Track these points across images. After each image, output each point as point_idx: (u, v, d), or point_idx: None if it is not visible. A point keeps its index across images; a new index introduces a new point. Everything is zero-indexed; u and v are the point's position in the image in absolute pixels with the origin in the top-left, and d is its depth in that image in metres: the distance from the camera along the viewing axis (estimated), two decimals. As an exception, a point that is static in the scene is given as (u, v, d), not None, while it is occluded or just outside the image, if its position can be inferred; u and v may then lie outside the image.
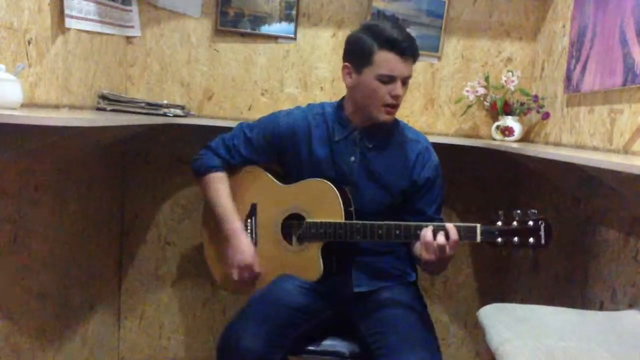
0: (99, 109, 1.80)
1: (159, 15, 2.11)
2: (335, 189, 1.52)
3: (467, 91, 2.07)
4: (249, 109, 2.17)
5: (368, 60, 1.45)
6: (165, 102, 1.95)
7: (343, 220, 1.51)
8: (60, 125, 1.16)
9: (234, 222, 1.61)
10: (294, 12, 2.11)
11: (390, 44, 1.42)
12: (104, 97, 1.80)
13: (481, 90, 2.07)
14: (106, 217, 2.08)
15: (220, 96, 2.17)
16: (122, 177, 2.21)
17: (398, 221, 1.49)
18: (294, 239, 1.60)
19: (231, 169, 1.67)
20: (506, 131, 2.02)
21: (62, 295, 1.74)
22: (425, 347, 1.36)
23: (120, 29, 1.99)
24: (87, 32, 1.72)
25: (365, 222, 1.48)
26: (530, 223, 1.31)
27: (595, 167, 1.23)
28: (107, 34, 1.89)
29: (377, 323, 1.46)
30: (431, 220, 1.55)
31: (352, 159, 1.56)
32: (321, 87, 2.17)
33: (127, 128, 1.85)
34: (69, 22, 1.58)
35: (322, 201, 1.54)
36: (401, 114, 2.14)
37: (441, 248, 1.35)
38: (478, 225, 1.36)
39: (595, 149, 1.62)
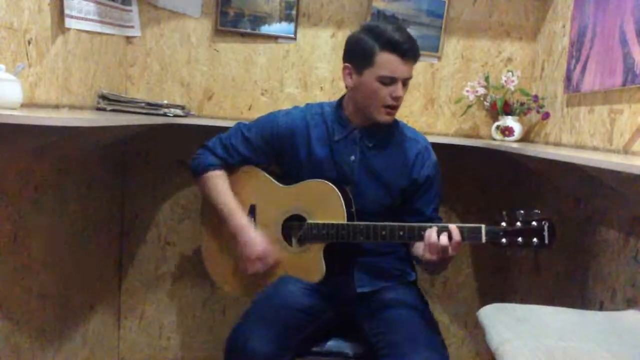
0: (99, 109, 1.80)
1: (159, 15, 2.11)
2: (337, 189, 1.52)
3: (467, 91, 2.07)
4: (249, 109, 2.17)
5: (369, 62, 1.45)
6: (165, 102, 1.94)
7: (345, 222, 1.50)
8: (60, 125, 1.16)
9: (240, 218, 1.59)
10: (294, 12, 2.11)
11: (392, 46, 1.42)
12: (104, 97, 1.80)
13: (481, 90, 2.07)
14: (106, 217, 2.08)
15: (220, 96, 2.17)
16: (122, 177, 2.21)
17: (397, 221, 1.49)
18: (295, 240, 1.60)
19: (229, 169, 1.66)
20: (506, 131, 2.02)
21: (62, 295, 1.74)
22: (432, 347, 1.37)
23: (120, 29, 1.99)
24: (87, 32, 1.72)
25: (368, 223, 1.48)
26: (534, 223, 1.32)
27: (595, 167, 1.23)
28: (107, 34, 1.89)
29: (381, 323, 1.46)
30: (430, 219, 1.57)
31: (352, 158, 1.56)
32: (321, 87, 2.17)
33: (127, 128, 1.85)
34: (69, 22, 1.58)
35: (324, 202, 1.53)
36: (401, 114, 2.14)
37: (444, 249, 1.35)
38: (483, 226, 1.37)
39: (595, 149, 1.62)
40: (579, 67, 1.74)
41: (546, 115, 1.96)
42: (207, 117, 2.12)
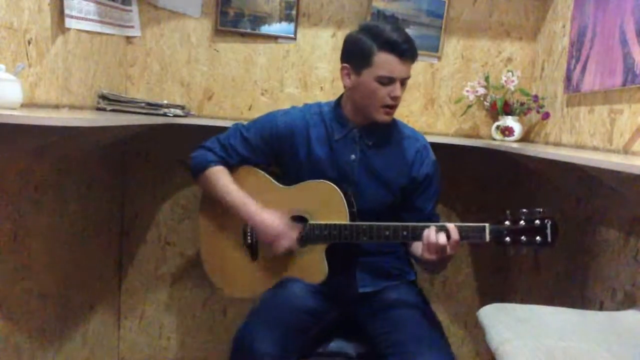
0: (99, 109, 1.80)
1: (159, 15, 2.11)
2: (339, 190, 1.51)
3: (467, 91, 2.07)
4: (249, 109, 2.17)
5: (367, 62, 1.45)
6: (165, 102, 1.94)
7: (348, 222, 1.50)
8: (60, 125, 1.16)
9: (250, 205, 1.56)
10: (294, 12, 2.11)
11: (390, 46, 1.42)
12: (104, 97, 1.80)
13: (481, 90, 2.07)
14: (106, 217, 2.08)
15: (220, 96, 2.17)
16: (122, 177, 2.21)
17: (396, 219, 1.49)
18: (297, 241, 1.58)
19: (228, 169, 1.64)
20: (506, 131, 2.02)
21: (62, 295, 1.74)
22: (439, 347, 1.37)
23: (120, 29, 1.99)
24: (87, 32, 1.72)
25: (371, 223, 1.48)
26: (537, 222, 1.33)
27: (595, 167, 1.23)
28: (107, 34, 1.89)
29: (385, 322, 1.47)
30: (429, 217, 1.59)
31: (353, 157, 1.56)
32: (321, 87, 2.17)
33: (127, 128, 1.85)
34: (69, 22, 1.58)
35: (326, 202, 1.52)
36: (401, 114, 2.14)
37: (442, 248, 1.36)
38: (486, 225, 1.37)
39: (595, 149, 1.62)
40: (579, 67, 1.74)
41: (546, 115, 1.96)
42: (207, 117, 2.12)
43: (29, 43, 1.39)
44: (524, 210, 1.35)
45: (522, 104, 2.02)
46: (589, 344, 1.08)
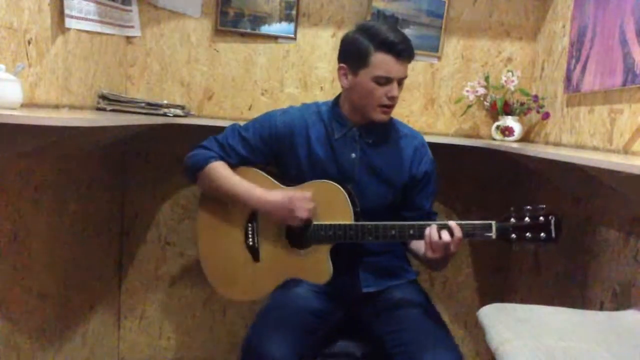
0: (99, 109, 1.80)
1: (159, 15, 2.11)
2: (343, 190, 1.51)
3: (467, 91, 2.07)
4: (249, 109, 2.17)
5: (364, 62, 1.45)
6: (165, 102, 1.94)
7: (353, 222, 1.50)
8: (60, 125, 1.16)
9: (255, 190, 1.55)
10: (294, 12, 2.11)
11: (387, 46, 1.43)
12: (104, 97, 1.80)
13: (481, 90, 2.07)
14: (106, 217, 2.08)
15: (220, 96, 2.17)
16: (122, 177, 2.21)
17: (395, 218, 1.50)
18: (300, 242, 1.57)
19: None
20: (506, 131, 2.02)
21: (62, 295, 1.74)
22: (448, 345, 1.38)
23: (120, 29, 1.99)
24: (87, 32, 1.72)
25: (377, 222, 1.47)
26: (541, 218, 1.35)
27: (595, 167, 1.23)
28: (107, 34, 1.89)
29: (391, 322, 1.47)
30: (428, 214, 1.61)
31: (353, 155, 1.56)
32: (321, 87, 2.17)
33: (127, 128, 1.85)
34: (69, 22, 1.58)
35: (330, 203, 1.52)
36: (401, 114, 2.15)
37: (446, 246, 1.36)
38: (493, 222, 1.38)
39: (595, 149, 1.62)
40: (579, 67, 1.74)
41: (546, 115, 1.96)
42: (207, 117, 2.12)
43: (29, 43, 1.39)
44: (528, 207, 1.37)
45: (522, 104, 2.03)
46: (589, 344, 1.08)
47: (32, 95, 1.42)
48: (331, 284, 1.53)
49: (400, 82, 1.49)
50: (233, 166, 1.62)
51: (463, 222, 1.39)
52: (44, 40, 1.46)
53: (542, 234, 1.34)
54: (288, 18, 2.11)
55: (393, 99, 1.49)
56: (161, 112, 1.84)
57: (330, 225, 1.51)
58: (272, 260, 1.60)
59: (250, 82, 2.16)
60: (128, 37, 2.08)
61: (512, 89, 2.03)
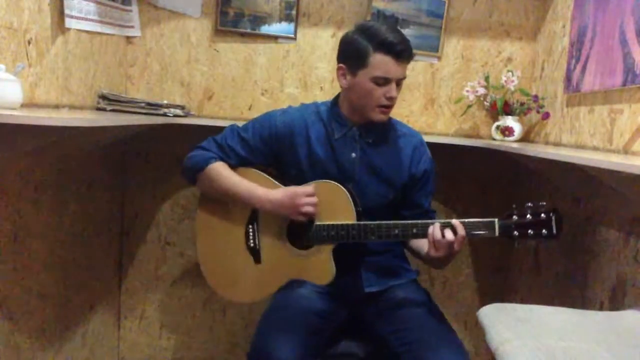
0: (99, 109, 1.80)
1: (159, 15, 2.11)
2: (345, 190, 1.51)
3: (467, 91, 2.07)
4: (249, 109, 2.17)
5: (363, 63, 1.45)
6: (165, 102, 1.94)
7: (356, 222, 1.50)
8: (60, 125, 1.16)
9: (257, 190, 1.54)
10: (294, 12, 2.11)
11: (386, 47, 1.43)
12: (104, 97, 1.80)
13: (481, 90, 2.07)
14: (106, 217, 2.08)
15: (220, 96, 2.17)
16: (122, 177, 2.21)
17: (395, 217, 1.51)
18: (302, 242, 1.57)
19: None
20: (506, 131, 2.02)
21: (62, 295, 1.74)
22: (456, 344, 1.38)
23: (120, 29, 1.99)
24: (87, 32, 1.72)
25: (379, 222, 1.48)
26: (543, 215, 1.36)
27: (595, 167, 1.23)
28: (107, 34, 1.89)
29: (395, 321, 1.47)
30: (427, 212, 1.61)
31: (353, 155, 1.56)
32: (321, 87, 2.17)
33: (127, 128, 1.85)
34: (69, 22, 1.58)
35: (332, 203, 1.52)
36: (401, 114, 2.15)
37: (449, 244, 1.37)
38: (496, 220, 1.39)
39: (595, 149, 1.62)
40: (579, 67, 1.74)
41: (546, 115, 1.96)
42: (207, 117, 2.12)
43: (29, 43, 1.39)
44: (529, 204, 1.38)
45: (522, 104, 2.03)
46: (589, 344, 1.08)
47: (32, 95, 1.42)
48: (334, 284, 1.53)
49: (398, 82, 1.49)
50: (232, 167, 1.61)
51: (466, 220, 1.40)
52: (44, 40, 1.46)
53: (543, 231, 1.36)
54: (288, 18, 2.11)
55: (392, 100, 1.49)
56: (161, 112, 1.84)
57: (333, 225, 1.51)
58: (273, 261, 1.59)
59: (250, 82, 2.16)
60: (128, 37, 2.08)
61: (512, 89, 2.03)
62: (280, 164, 1.64)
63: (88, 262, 1.92)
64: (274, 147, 1.60)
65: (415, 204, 1.61)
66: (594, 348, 1.06)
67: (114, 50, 1.98)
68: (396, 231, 1.46)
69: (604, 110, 1.59)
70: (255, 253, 1.61)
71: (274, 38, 2.14)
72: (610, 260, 1.52)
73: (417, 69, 2.16)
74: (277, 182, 1.60)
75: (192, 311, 2.31)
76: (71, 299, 1.81)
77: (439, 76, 2.18)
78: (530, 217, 1.37)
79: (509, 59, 2.16)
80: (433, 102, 2.20)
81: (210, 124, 1.87)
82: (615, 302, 1.47)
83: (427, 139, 1.69)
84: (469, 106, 2.10)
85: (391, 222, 1.47)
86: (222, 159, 1.60)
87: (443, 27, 2.12)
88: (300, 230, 1.56)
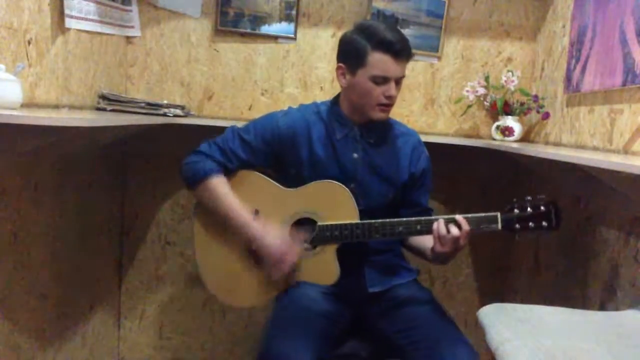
0: (99, 109, 1.80)
1: (159, 15, 2.11)
2: (347, 189, 1.51)
3: (467, 91, 2.07)
4: (249, 109, 2.17)
5: (362, 62, 1.45)
6: (165, 102, 1.94)
7: (359, 221, 1.49)
8: (60, 125, 1.16)
9: (251, 225, 1.52)
10: (294, 12, 2.11)
11: (384, 46, 1.43)
12: (104, 97, 1.80)
13: (481, 90, 2.07)
14: (106, 217, 2.08)
15: (220, 96, 2.17)
16: (122, 177, 2.21)
17: (394, 216, 1.51)
18: (306, 243, 1.55)
19: (227, 174, 1.58)
20: (506, 131, 2.02)
21: (62, 295, 1.74)
22: (464, 342, 1.38)
23: (120, 29, 1.99)
24: (87, 32, 1.72)
25: (383, 220, 1.48)
26: (542, 208, 1.39)
27: (595, 167, 1.23)
28: (107, 34, 1.89)
29: (402, 320, 1.47)
30: (425, 211, 1.62)
31: (355, 155, 1.56)
32: (321, 87, 2.17)
33: (127, 128, 1.85)
34: (69, 22, 1.58)
35: (334, 202, 1.51)
36: (401, 114, 2.15)
37: (455, 239, 1.37)
38: (498, 214, 1.41)
39: (595, 149, 1.62)
40: (579, 67, 1.74)
41: (546, 115, 1.96)
42: (207, 117, 2.12)
43: (29, 43, 1.39)
44: (529, 198, 1.41)
45: (522, 104, 2.03)
46: (589, 344, 1.08)
47: (32, 95, 1.42)
48: (337, 284, 1.53)
49: (398, 81, 1.48)
50: (233, 171, 1.58)
51: (469, 215, 1.41)
52: (44, 40, 1.46)
53: (544, 223, 1.39)
54: (288, 18, 2.11)
55: (391, 98, 1.49)
56: (161, 112, 1.84)
57: (337, 225, 1.50)
58: None
59: (250, 82, 2.16)
60: (128, 37, 2.08)
61: (512, 89, 2.03)
62: (281, 164, 1.63)
63: (88, 262, 1.92)
64: (275, 148, 1.58)
65: (414, 203, 1.62)
66: (594, 348, 1.06)
67: (114, 50, 1.99)
68: (400, 228, 1.47)
69: (604, 110, 1.59)
70: (256, 255, 1.58)
71: (274, 38, 2.14)
72: (610, 261, 1.52)
73: (417, 69, 2.16)
74: (278, 185, 1.58)
75: (192, 311, 2.31)
76: (71, 299, 1.81)
77: (439, 76, 2.18)
78: (531, 210, 1.40)
79: (509, 59, 2.16)
80: (433, 102, 2.20)
81: (210, 124, 1.87)
82: (615, 302, 1.47)
83: (427, 139, 1.69)
84: (469, 106, 2.10)
85: (394, 219, 1.48)
86: (223, 165, 1.57)
87: (443, 27, 2.12)
88: (303, 232, 1.56)
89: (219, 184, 1.55)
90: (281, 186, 1.58)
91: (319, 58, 2.15)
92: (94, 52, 1.79)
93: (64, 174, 1.69)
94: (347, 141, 1.57)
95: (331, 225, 1.51)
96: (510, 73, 2.04)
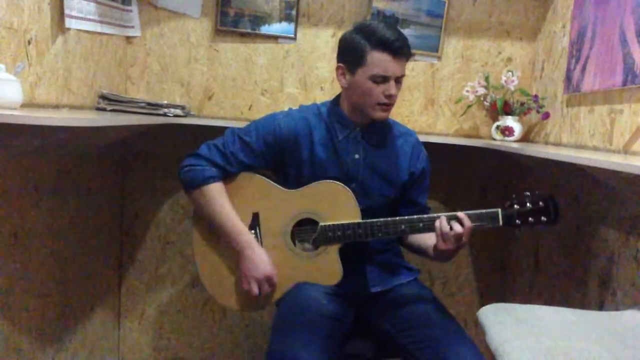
0: (99, 109, 1.80)
1: (159, 15, 2.11)
2: (349, 189, 1.51)
3: (467, 91, 2.07)
4: (249, 109, 2.17)
5: (361, 61, 1.45)
6: (165, 102, 1.94)
7: (362, 220, 1.50)
8: (60, 125, 1.16)
9: (246, 234, 1.53)
10: (294, 12, 2.11)
11: (383, 45, 1.43)
12: (104, 97, 1.80)
13: (481, 90, 2.07)
14: (106, 217, 2.08)
15: (220, 96, 2.17)
16: (122, 177, 2.21)
17: (394, 214, 1.51)
18: (307, 244, 1.55)
19: (226, 178, 1.57)
20: (506, 131, 2.02)
21: (62, 295, 1.74)
22: (468, 340, 1.38)
23: (120, 29, 1.99)
24: (87, 32, 1.72)
25: (386, 219, 1.48)
26: (541, 203, 1.40)
27: (595, 167, 1.23)
28: (107, 34, 1.89)
29: (404, 319, 1.47)
30: (424, 210, 1.62)
31: (357, 156, 1.56)
32: (321, 87, 2.17)
33: (127, 128, 1.85)
34: (69, 22, 1.58)
35: (336, 202, 1.51)
36: (401, 114, 2.15)
37: (458, 236, 1.38)
38: (499, 210, 1.42)
39: (595, 149, 1.62)
40: (579, 67, 1.74)
41: (546, 115, 1.96)
42: (207, 117, 2.12)
43: (29, 43, 1.39)
44: (527, 193, 1.42)
45: (522, 104, 2.03)
46: (589, 344, 1.08)
47: (32, 95, 1.42)
48: (340, 284, 1.53)
49: (398, 80, 1.48)
50: (233, 174, 1.58)
51: (470, 211, 1.41)
52: (44, 40, 1.46)
53: (543, 217, 1.40)
54: (288, 18, 2.11)
55: (391, 97, 1.49)
56: (161, 112, 1.84)
57: (340, 225, 1.51)
58: (279, 265, 1.54)
59: (250, 82, 2.16)
60: (128, 37, 2.08)
61: (512, 89, 2.03)
62: (282, 165, 1.62)
63: (88, 262, 1.92)
64: (276, 150, 1.57)
65: (413, 202, 1.63)
66: (594, 348, 1.06)
67: (114, 50, 1.98)
68: (403, 227, 1.47)
69: (603, 110, 1.59)
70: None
71: (274, 38, 2.14)
72: (610, 260, 1.52)
73: (417, 69, 2.16)
74: (278, 186, 1.58)
75: (192, 311, 2.31)
76: (71, 299, 1.81)
77: (439, 76, 2.18)
78: (530, 206, 1.41)
79: (509, 59, 2.16)
80: (433, 102, 2.20)
81: (210, 124, 1.87)
82: (615, 302, 1.47)
83: (427, 138, 1.69)
84: (469, 106, 2.10)
85: (397, 218, 1.48)
86: (223, 169, 1.56)
87: (443, 27, 2.12)
88: (305, 233, 1.56)
89: (216, 192, 1.54)
90: (282, 187, 1.58)
91: (319, 58, 2.15)
92: (94, 52, 1.79)
93: (64, 174, 1.69)
94: (348, 142, 1.57)
95: (333, 225, 1.51)
96: (510, 73, 2.04)
